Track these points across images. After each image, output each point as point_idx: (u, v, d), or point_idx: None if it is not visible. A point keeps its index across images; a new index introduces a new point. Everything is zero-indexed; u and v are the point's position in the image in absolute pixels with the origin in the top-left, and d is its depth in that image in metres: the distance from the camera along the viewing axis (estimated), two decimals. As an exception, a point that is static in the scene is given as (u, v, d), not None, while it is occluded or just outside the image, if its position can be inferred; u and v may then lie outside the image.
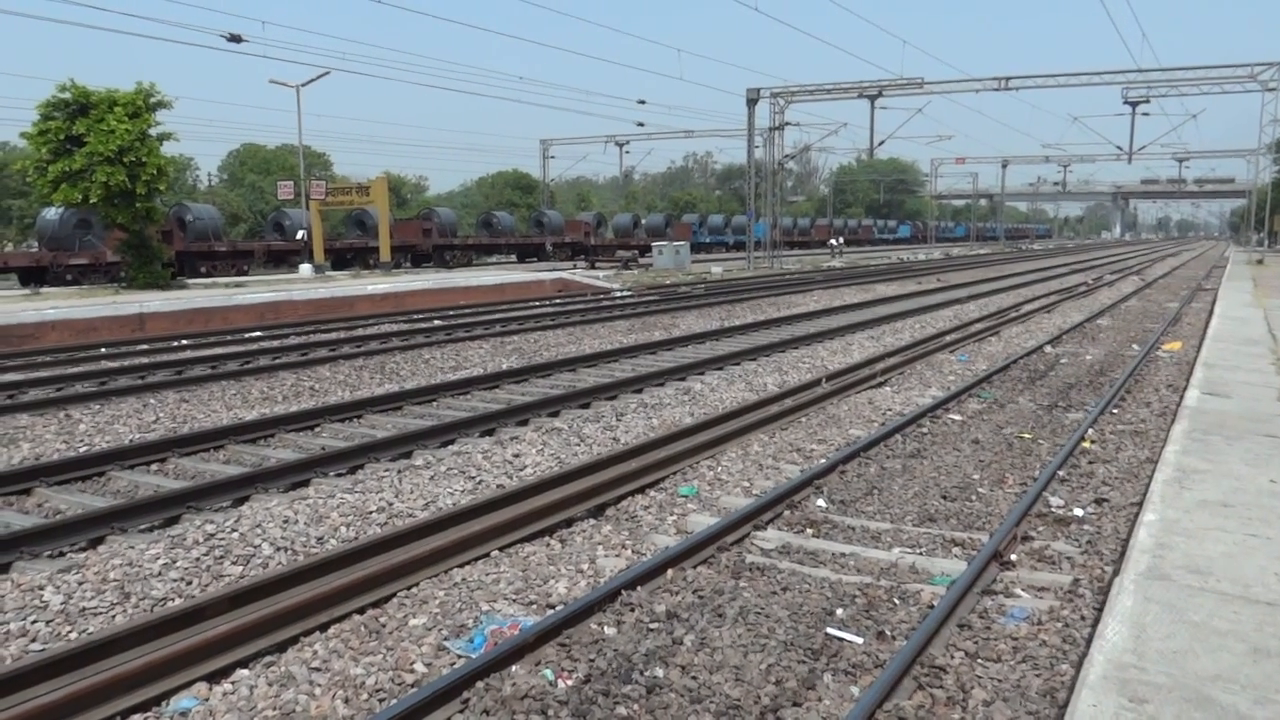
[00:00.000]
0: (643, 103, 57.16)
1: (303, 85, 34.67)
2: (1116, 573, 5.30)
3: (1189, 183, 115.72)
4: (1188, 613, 4.41)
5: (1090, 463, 8.70)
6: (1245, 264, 45.66)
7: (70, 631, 5.16)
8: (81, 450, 9.13)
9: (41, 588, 5.66)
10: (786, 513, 7.17)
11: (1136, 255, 74.35)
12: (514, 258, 50.67)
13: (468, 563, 6.14)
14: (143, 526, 6.85)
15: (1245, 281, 30.84)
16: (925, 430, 10.02)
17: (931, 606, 5.41)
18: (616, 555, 6.37)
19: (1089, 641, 4.61)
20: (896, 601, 5.56)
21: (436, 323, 20.54)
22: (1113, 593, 4.78)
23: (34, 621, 5.23)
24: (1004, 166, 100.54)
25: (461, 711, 4.28)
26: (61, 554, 6.34)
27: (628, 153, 71.13)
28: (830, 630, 5.11)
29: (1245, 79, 43.40)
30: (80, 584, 5.73)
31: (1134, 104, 47.47)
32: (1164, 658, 3.95)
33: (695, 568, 6.02)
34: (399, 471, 8.34)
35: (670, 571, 5.84)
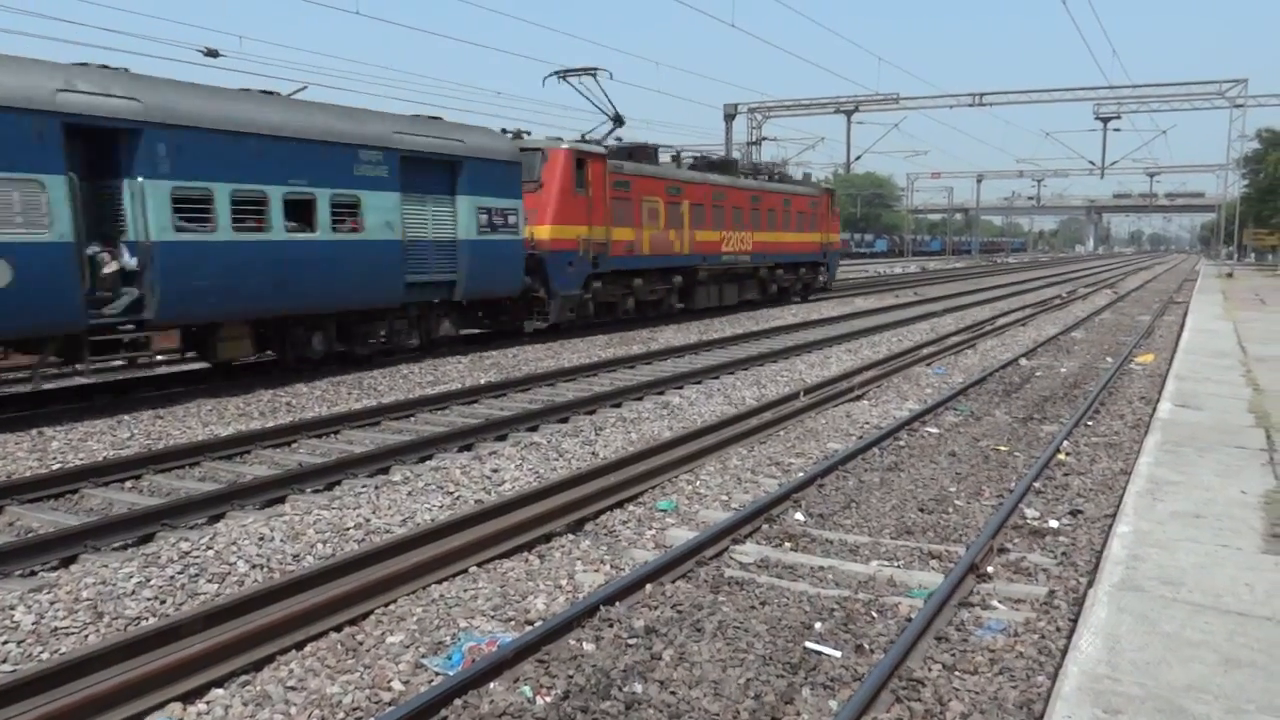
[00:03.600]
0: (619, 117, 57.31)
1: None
2: (1091, 584, 5.35)
3: (1160, 197, 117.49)
4: (1160, 623, 4.46)
5: (1065, 475, 8.78)
6: (1215, 277, 46.30)
7: (42, 652, 5.09)
8: (54, 467, 9.03)
9: (13, 607, 5.58)
10: (765, 526, 7.19)
11: (1110, 269, 75.22)
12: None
13: (446, 579, 6.12)
14: (116, 544, 6.77)
15: (1215, 295, 31.26)
16: (902, 443, 10.08)
17: (909, 619, 5.44)
18: (595, 570, 6.36)
19: (1064, 653, 4.66)
20: (874, 614, 5.58)
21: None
22: (1087, 604, 4.83)
23: (4, 642, 5.16)
24: (979, 181, 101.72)
25: (439, 729, 4.25)
26: (33, 573, 6.26)
27: (606, 167, 71.15)
28: (809, 644, 5.13)
29: (1213, 95, 44.19)
30: (52, 603, 5.66)
31: (1105, 120, 48.18)
32: (1137, 668, 3.99)
33: (674, 582, 6.02)
34: (376, 487, 8.29)
35: (649, 586, 5.84)
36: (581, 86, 22.22)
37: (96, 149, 11.90)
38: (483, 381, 14.19)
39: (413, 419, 11.53)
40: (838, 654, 5.03)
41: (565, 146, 20.13)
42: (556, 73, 22.15)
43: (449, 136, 16.88)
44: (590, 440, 10.23)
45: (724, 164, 28.71)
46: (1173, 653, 4.15)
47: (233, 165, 13.05)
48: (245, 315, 13.60)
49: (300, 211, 14.14)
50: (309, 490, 8.19)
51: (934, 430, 10.78)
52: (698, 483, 8.51)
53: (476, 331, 20.33)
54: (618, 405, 12.35)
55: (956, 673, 4.81)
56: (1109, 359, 17.23)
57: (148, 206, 12.00)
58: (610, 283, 21.77)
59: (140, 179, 11.94)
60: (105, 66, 12.22)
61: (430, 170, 16.42)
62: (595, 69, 21.68)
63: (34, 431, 10.55)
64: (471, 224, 17.22)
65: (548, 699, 4.49)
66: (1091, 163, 61.85)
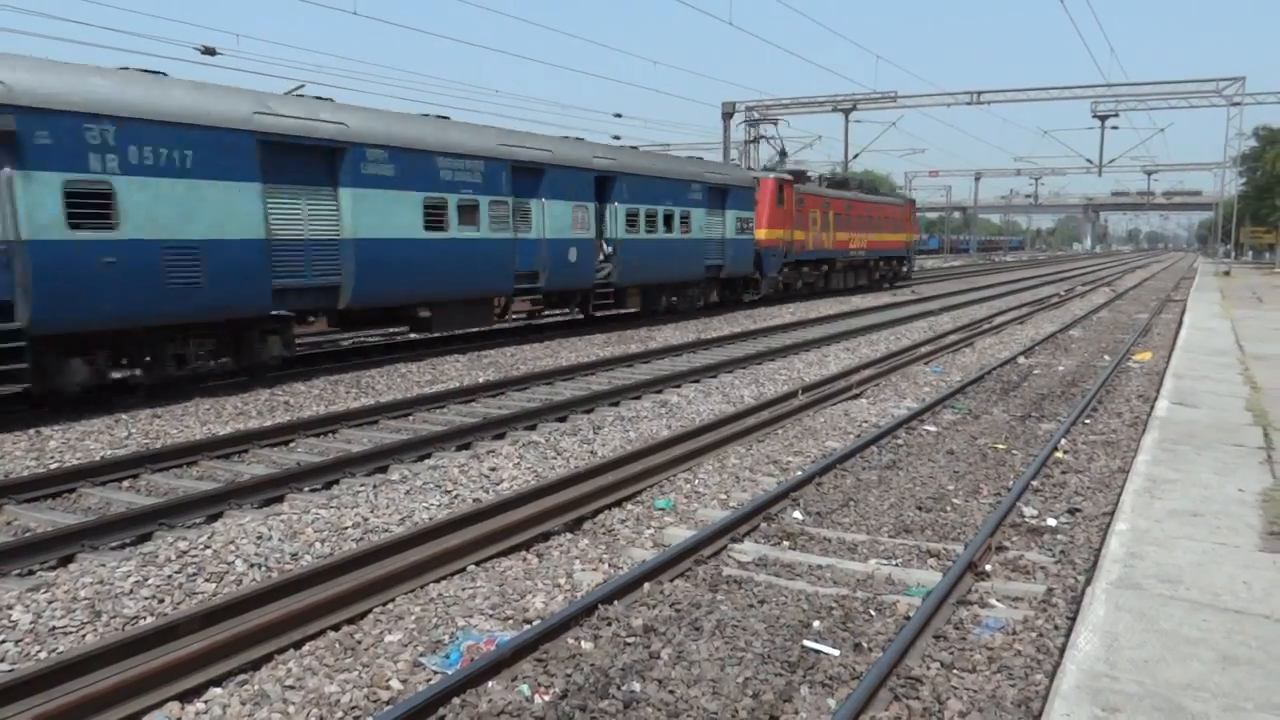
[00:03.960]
0: (619, 116, 57.48)
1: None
2: (1089, 582, 5.35)
3: (1157, 195, 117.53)
4: (1159, 621, 4.46)
5: (1063, 473, 8.78)
6: (1213, 275, 46.36)
7: (40, 651, 5.08)
8: (52, 467, 9.02)
9: (10, 607, 5.57)
10: (763, 525, 7.19)
11: (1107, 267, 75.28)
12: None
13: (444, 578, 6.12)
14: (114, 544, 6.76)
15: (1213, 293, 31.29)
16: (900, 442, 10.08)
17: (907, 618, 5.44)
18: (594, 569, 6.36)
19: (1062, 651, 4.66)
20: (873, 613, 5.58)
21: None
22: (1085, 602, 4.83)
23: (2, 641, 5.15)
24: (977, 179, 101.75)
25: (438, 728, 4.25)
26: (31, 572, 6.25)
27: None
28: (807, 643, 5.13)
29: (1211, 94, 44.19)
30: (50, 603, 5.65)
31: (1103, 118, 48.17)
32: (1135, 666, 3.99)
33: (672, 581, 6.03)
34: (374, 486, 8.29)
35: (647, 585, 5.84)
36: (768, 130, 37.41)
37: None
38: (481, 380, 14.18)
39: (411, 418, 11.53)
40: (836, 652, 5.03)
41: (771, 176, 29.60)
42: (749, 121, 36.99)
43: (728, 173, 27.34)
44: (588, 439, 10.23)
45: (842, 182, 39.39)
46: (1171, 651, 4.15)
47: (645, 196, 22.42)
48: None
49: (666, 221, 23.26)
50: (307, 489, 8.19)
51: (932, 428, 10.79)
52: (696, 481, 8.51)
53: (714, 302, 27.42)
54: (616, 404, 12.35)
55: (955, 671, 4.81)
56: (1107, 357, 17.24)
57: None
58: (792, 269, 31.46)
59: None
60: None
61: (717, 194, 25.74)
62: (777, 118, 37.49)
63: (31, 431, 10.54)
64: (733, 228, 26.51)
65: (546, 698, 4.49)
66: (1089, 161, 61.80)
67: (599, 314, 22.47)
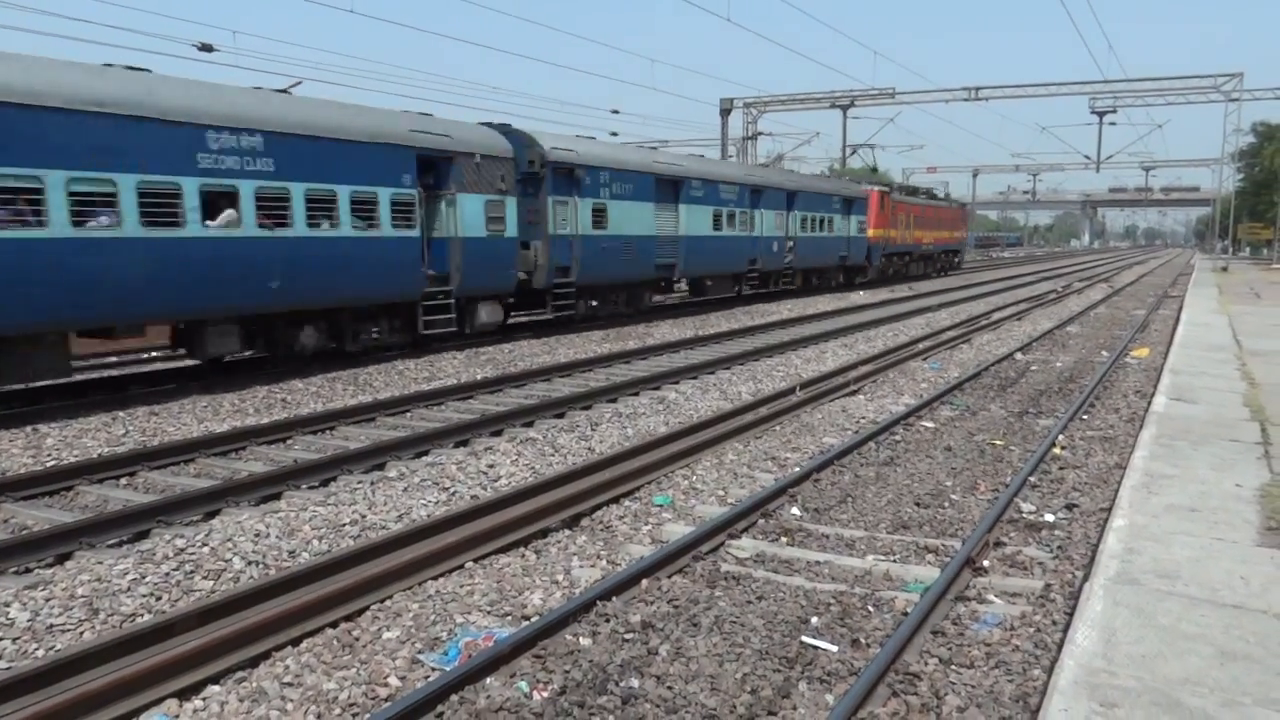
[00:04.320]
0: (616, 112, 57.51)
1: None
2: (1087, 577, 5.36)
3: (1155, 191, 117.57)
4: (1156, 617, 4.46)
5: (1061, 469, 8.79)
6: (1210, 271, 46.38)
7: (37, 649, 5.08)
8: (49, 464, 9.01)
9: (8, 605, 5.57)
10: (761, 521, 7.19)
11: (1105, 263, 75.30)
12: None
13: (442, 575, 6.11)
14: (111, 541, 6.75)
15: (1211, 289, 31.31)
16: (898, 438, 10.08)
17: (905, 613, 5.44)
18: (592, 565, 6.36)
19: (1060, 646, 4.66)
20: (871, 609, 5.59)
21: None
22: (1083, 598, 4.83)
23: (0, 639, 5.15)
24: (974, 175, 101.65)
25: (436, 725, 4.25)
26: (28, 570, 6.24)
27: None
28: (805, 638, 5.13)
29: (1209, 90, 44.16)
30: (48, 600, 5.65)
31: (1101, 114, 48.11)
32: (1133, 662, 3.99)
33: (670, 577, 6.02)
34: (372, 483, 8.28)
35: (645, 581, 5.84)
36: (867, 155, 50.03)
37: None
38: (478, 377, 14.17)
39: (408, 415, 11.52)
40: (834, 648, 5.03)
41: (876, 190, 39.23)
42: (850, 149, 50.18)
43: (852, 189, 37.53)
44: (586, 436, 10.23)
45: (913, 190, 48.88)
46: (1169, 646, 4.15)
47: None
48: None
49: (821, 224, 33.71)
50: (304, 486, 8.18)
51: (930, 425, 10.79)
52: (694, 478, 8.51)
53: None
54: (614, 401, 12.34)
55: (953, 667, 4.81)
56: (1104, 353, 17.25)
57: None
58: (886, 260, 40.60)
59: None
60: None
61: (846, 204, 35.96)
62: (874, 145, 50.04)
63: (29, 428, 10.52)
64: (855, 228, 37.07)
65: (544, 694, 4.48)
66: (1087, 157, 61.77)
67: (782, 288, 32.42)
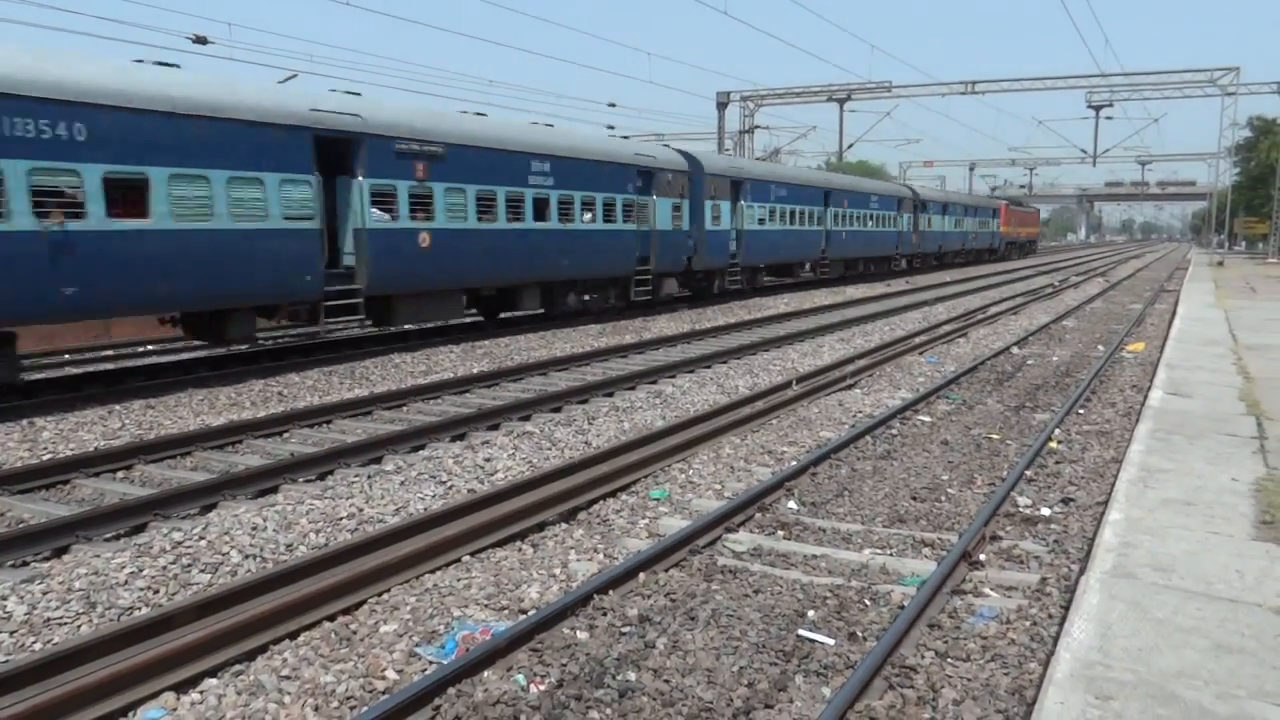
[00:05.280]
0: (613, 105, 57.34)
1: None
2: (1083, 571, 5.37)
3: (1151, 185, 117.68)
4: (1152, 610, 4.48)
5: (1057, 463, 8.81)
6: (1206, 266, 46.44)
7: (35, 642, 5.08)
8: (45, 458, 8.99)
9: (5, 598, 5.56)
10: (758, 515, 7.20)
11: (1101, 257, 75.36)
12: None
13: (439, 568, 6.12)
14: (108, 535, 6.75)
15: (1206, 283, 31.35)
16: (895, 432, 10.10)
17: (902, 607, 5.45)
18: (589, 559, 6.37)
19: (1056, 640, 4.68)
20: (867, 602, 5.60)
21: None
22: (1079, 591, 4.85)
23: (-4, 633, 5.15)
24: (971, 169, 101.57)
25: (433, 718, 4.26)
26: (25, 563, 6.24)
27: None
28: (802, 632, 5.14)
29: (1205, 84, 44.14)
30: (45, 594, 5.64)
31: (1097, 108, 48.17)
32: (1129, 655, 4.01)
33: (667, 571, 6.03)
34: (369, 477, 8.28)
35: (642, 575, 5.84)
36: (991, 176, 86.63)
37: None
38: (475, 371, 14.17)
39: (405, 409, 11.51)
40: (831, 642, 5.04)
41: (1003, 201, 67.43)
42: (972, 166, 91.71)
43: (992, 202, 65.46)
44: (583, 429, 10.23)
45: (1018, 202, 72.94)
46: (1164, 639, 4.17)
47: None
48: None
49: (969, 223, 55.30)
50: (301, 480, 8.18)
51: (926, 419, 10.81)
52: (691, 471, 8.51)
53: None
54: (610, 394, 12.35)
55: (949, 660, 4.83)
56: (1100, 347, 17.28)
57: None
58: (1007, 246, 64.19)
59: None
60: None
61: (988, 211, 60.50)
62: (972, 162, 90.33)
63: (24, 422, 10.51)
64: (994, 225, 60.80)
65: (541, 687, 4.49)
66: (1083, 151, 61.93)
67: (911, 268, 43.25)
